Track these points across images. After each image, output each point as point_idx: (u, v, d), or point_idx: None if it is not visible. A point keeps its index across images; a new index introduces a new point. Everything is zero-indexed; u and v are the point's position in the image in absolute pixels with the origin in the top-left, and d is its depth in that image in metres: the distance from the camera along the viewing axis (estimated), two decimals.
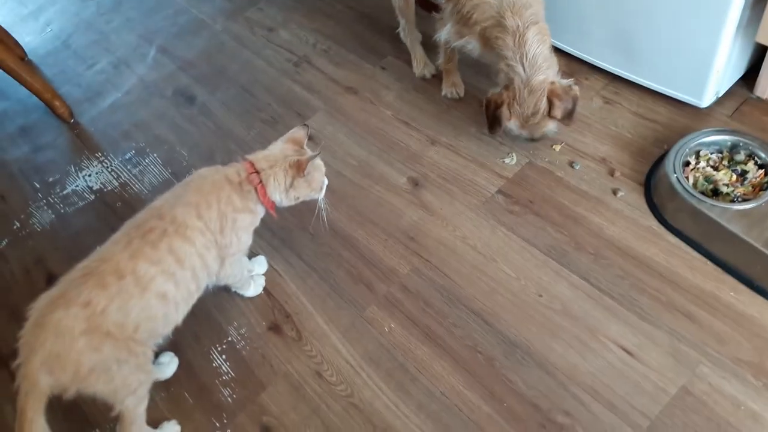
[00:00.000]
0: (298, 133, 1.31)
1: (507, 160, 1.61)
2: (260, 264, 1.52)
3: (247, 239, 1.31)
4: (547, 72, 1.41)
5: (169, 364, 1.38)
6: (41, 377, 1.02)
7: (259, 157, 1.27)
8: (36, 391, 1.02)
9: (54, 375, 1.03)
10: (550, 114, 1.44)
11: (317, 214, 1.40)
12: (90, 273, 1.09)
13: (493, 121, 1.49)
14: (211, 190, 1.22)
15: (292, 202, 1.31)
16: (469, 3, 1.43)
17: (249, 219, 1.28)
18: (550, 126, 1.49)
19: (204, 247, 1.20)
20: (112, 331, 1.08)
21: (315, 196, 1.33)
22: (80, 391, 1.08)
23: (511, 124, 1.47)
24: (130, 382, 1.13)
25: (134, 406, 1.17)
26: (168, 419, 1.31)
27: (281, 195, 1.27)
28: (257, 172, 1.24)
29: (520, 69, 1.39)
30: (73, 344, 1.04)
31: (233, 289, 1.46)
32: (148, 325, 1.14)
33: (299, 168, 1.24)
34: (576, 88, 1.45)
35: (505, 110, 1.45)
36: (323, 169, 1.33)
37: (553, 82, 1.41)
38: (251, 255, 1.52)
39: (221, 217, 1.21)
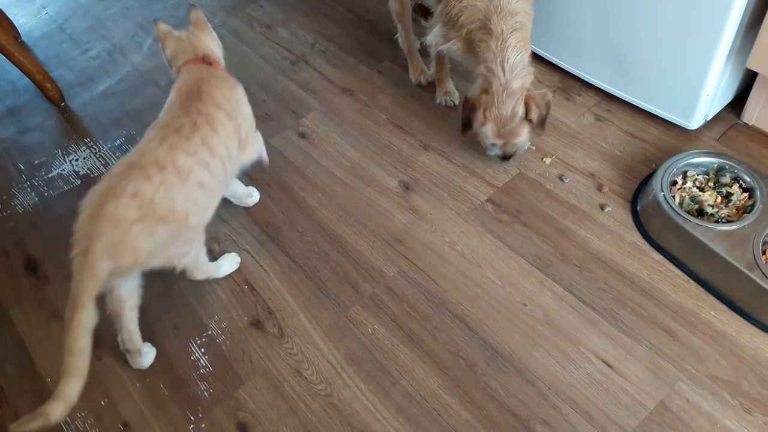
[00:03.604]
0: (195, 16, 1.41)
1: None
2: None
3: (250, 110, 1.42)
4: (525, 79, 1.44)
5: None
6: (102, 263, 1.07)
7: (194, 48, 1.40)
8: (95, 279, 1.06)
9: (115, 260, 1.09)
10: (527, 117, 1.46)
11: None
12: (132, 167, 1.15)
13: (466, 121, 1.51)
14: (209, 87, 1.30)
15: None
16: (457, 5, 1.44)
17: (239, 90, 1.38)
18: (524, 136, 1.50)
19: (228, 137, 1.28)
20: (165, 214, 1.14)
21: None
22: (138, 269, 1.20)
23: (487, 128, 1.47)
24: (185, 251, 1.26)
25: (194, 261, 1.31)
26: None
27: None
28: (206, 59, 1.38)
29: (500, 72, 1.40)
30: (130, 231, 1.10)
31: (236, 203, 1.59)
32: (195, 210, 1.21)
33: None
34: (550, 94, 1.48)
35: (480, 115, 1.45)
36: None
37: (529, 89, 1.45)
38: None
39: (226, 101, 1.30)
